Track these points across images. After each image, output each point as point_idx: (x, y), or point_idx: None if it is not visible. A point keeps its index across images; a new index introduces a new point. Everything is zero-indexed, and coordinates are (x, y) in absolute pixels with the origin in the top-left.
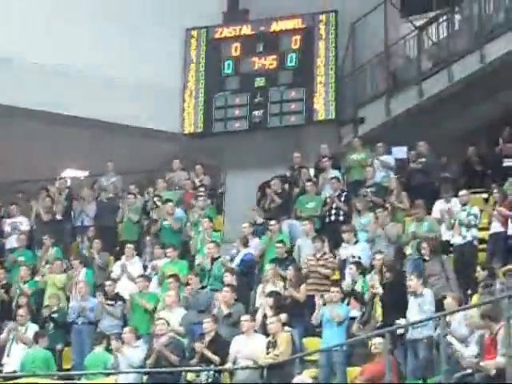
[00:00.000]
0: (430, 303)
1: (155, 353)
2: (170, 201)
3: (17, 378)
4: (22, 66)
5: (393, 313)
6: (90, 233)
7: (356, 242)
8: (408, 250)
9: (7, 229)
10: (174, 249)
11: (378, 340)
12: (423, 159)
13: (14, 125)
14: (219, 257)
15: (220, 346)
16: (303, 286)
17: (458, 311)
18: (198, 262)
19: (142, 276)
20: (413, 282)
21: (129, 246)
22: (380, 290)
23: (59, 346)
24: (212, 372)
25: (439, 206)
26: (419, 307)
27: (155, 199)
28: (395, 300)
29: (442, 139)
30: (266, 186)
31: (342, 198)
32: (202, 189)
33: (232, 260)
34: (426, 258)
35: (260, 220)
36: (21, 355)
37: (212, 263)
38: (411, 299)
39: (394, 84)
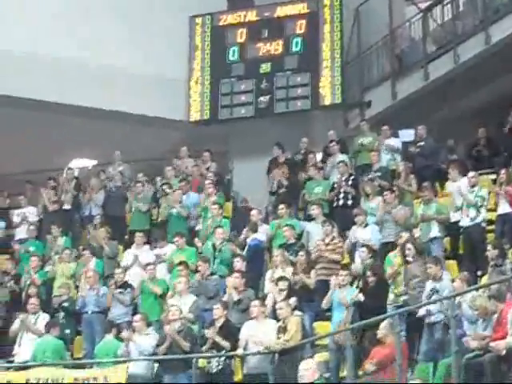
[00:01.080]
0: (448, 288)
1: (168, 339)
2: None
3: (28, 367)
4: (33, 57)
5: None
6: (95, 221)
7: (366, 225)
8: (417, 233)
9: (16, 219)
10: (180, 236)
11: (383, 324)
12: (422, 143)
13: (22, 116)
14: (226, 242)
15: (230, 331)
16: (313, 271)
17: (467, 292)
18: (204, 249)
19: (151, 264)
20: (432, 268)
21: (138, 234)
22: (361, 297)
23: (67, 331)
24: (223, 358)
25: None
26: (437, 292)
27: (164, 187)
28: (375, 306)
29: (448, 121)
30: (274, 162)
31: (350, 182)
32: (209, 175)
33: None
34: (410, 259)
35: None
36: (32, 345)
37: (219, 249)
38: (428, 283)
39: (400, 67)
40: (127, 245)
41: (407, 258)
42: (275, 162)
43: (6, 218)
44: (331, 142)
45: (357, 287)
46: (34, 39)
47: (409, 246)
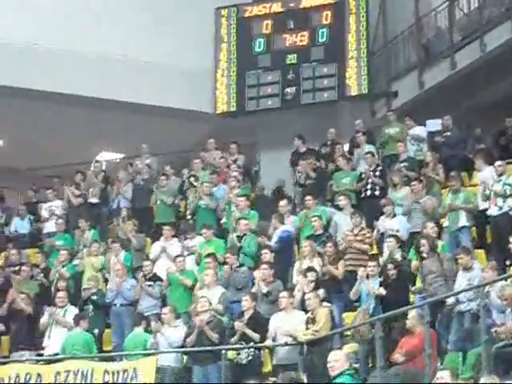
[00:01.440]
0: (480, 277)
1: (197, 330)
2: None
3: (58, 360)
4: (60, 53)
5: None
6: (123, 214)
7: (394, 215)
8: (445, 223)
9: (44, 213)
10: (208, 228)
11: (411, 313)
12: (448, 133)
13: (50, 110)
14: (251, 234)
15: (259, 323)
16: (342, 262)
17: (497, 281)
18: (230, 241)
19: (180, 256)
20: (463, 259)
21: (166, 227)
22: (382, 291)
23: (96, 330)
24: (252, 349)
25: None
26: (468, 282)
27: (191, 179)
28: (397, 300)
29: (475, 110)
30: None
31: (377, 173)
32: (233, 167)
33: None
34: (424, 255)
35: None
36: (61, 338)
37: (245, 241)
38: (460, 273)
39: (426, 57)
40: (155, 237)
41: (422, 255)
42: (297, 153)
43: (35, 212)
44: (358, 132)
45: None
46: (64, 33)
47: (423, 241)
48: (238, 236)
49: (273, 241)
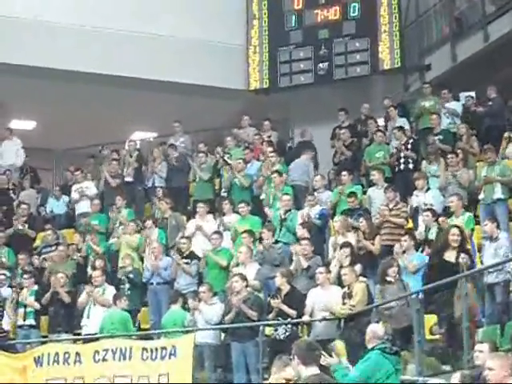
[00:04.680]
0: (506, 247)
1: (234, 309)
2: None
3: (96, 339)
4: (94, 32)
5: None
6: (158, 193)
7: (427, 189)
8: (481, 195)
9: (74, 195)
10: (246, 204)
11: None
12: (490, 103)
13: (82, 90)
14: (292, 210)
15: (296, 299)
16: (378, 237)
17: None
18: (270, 217)
19: (216, 233)
20: (488, 226)
21: (200, 204)
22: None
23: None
24: (289, 325)
25: None
26: (495, 251)
27: (225, 157)
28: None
29: (509, 83)
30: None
31: (410, 146)
32: (269, 143)
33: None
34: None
35: None
36: (100, 317)
37: (286, 217)
38: (486, 243)
39: (459, 29)
40: (190, 215)
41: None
42: (339, 127)
43: (70, 192)
44: (390, 106)
45: (421, 252)
46: (97, 12)
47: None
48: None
49: (312, 216)
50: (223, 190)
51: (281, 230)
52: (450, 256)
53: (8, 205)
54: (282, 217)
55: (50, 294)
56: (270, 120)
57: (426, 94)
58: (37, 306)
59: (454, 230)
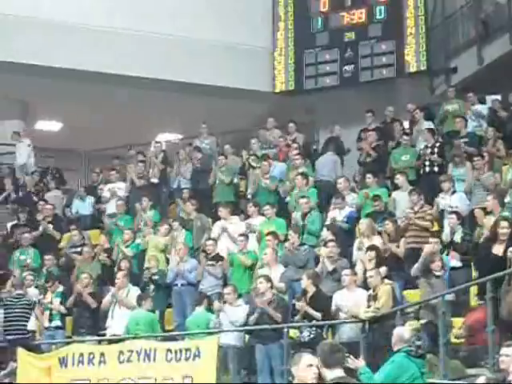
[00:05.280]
0: None
1: (258, 310)
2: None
3: (121, 340)
4: (119, 34)
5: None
6: (184, 195)
7: (453, 192)
8: (507, 198)
9: (106, 195)
10: (271, 207)
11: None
12: None
13: (109, 92)
14: (314, 212)
15: (321, 301)
16: (402, 240)
17: None
18: (295, 219)
19: (242, 235)
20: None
21: (221, 208)
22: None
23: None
24: (314, 327)
25: None
26: None
27: (250, 159)
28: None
29: None
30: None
31: (436, 149)
32: (295, 146)
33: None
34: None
35: None
36: (124, 318)
37: (308, 219)
38: None
39: (486, 32)
40: (215, 217)
41: None
42: (365, 130)
43: (95, 193)
44: (415, 109)
45: (447, 255)
46: (118, 14)
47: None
48: (301, 214)
49: (340, 219)
50: (249, 192)
51: (303, 233)
52: (498, 250)
53: (33, 206)
54: (301, 221)
55: (74, 297)
56: (295, 122)
57: (449, 98)
58: (63, 310)
59: (504, 223)
